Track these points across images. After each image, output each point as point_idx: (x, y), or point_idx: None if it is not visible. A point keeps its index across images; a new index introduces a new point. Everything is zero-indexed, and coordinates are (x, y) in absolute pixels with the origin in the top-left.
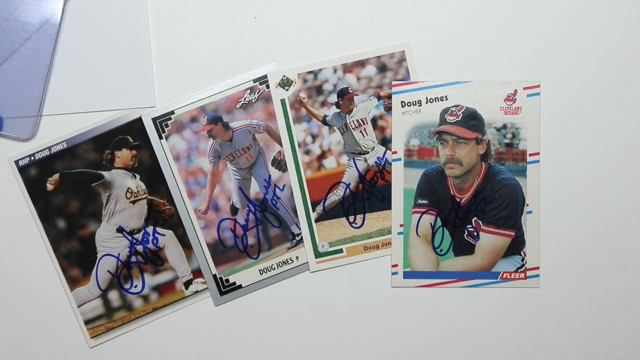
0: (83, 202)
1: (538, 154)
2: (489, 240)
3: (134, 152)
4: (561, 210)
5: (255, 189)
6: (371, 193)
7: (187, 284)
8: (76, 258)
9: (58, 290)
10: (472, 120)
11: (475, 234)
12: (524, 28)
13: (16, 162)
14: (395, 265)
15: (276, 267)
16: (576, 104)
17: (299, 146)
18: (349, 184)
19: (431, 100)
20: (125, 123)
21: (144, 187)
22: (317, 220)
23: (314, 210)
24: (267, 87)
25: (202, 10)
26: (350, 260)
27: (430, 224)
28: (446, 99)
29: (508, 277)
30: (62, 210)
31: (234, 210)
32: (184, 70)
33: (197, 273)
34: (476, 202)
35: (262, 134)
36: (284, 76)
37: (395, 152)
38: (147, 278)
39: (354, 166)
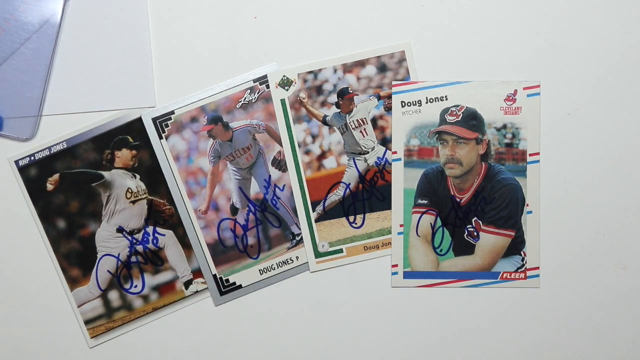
0: (83, 202)
1: (538, 154)
2: (489, 240)
3: (134, 152)
4: (561, 210)
5: (255, 189)
6: (371, 193)
7: (187, 284)
8: (76, 258)
9: (58, 290)
10: (472, 120)
11: (475, 234)
12: (524, 28)
13: (16, 162)
14: (395, 265)
15: (276, 267)
16: (576, 104)
17: (299, 146)
18: (349, 184)
19: (431, 100)
20: (125, 123)
21: (144, 187)
22: (317, 220)
23: (314, 210)
24: (267, 87)
25: (202, 10)
26: (350, 260)
27: (430, 224)
28: (446, 99)
29: (508, 277)
30: (62, 210)
31: (234, 210)
32: (184, 70)
33: (197, 273)
34: (476, 202)
35: (262, 134)
36: (284, 76)
37: (395, 152)
38: (147, 278)
39: (354, 166)
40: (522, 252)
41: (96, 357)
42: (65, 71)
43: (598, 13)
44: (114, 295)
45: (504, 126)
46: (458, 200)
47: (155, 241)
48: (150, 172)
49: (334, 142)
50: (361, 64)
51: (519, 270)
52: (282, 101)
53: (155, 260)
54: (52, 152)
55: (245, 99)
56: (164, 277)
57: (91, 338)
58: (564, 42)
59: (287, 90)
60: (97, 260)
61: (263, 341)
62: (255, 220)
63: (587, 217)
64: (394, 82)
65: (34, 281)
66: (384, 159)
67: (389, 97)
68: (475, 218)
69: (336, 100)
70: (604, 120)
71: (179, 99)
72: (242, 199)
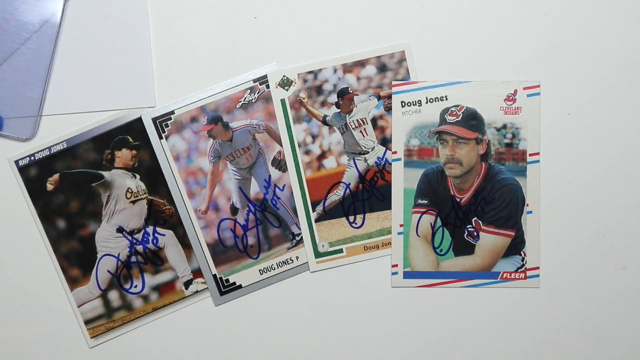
0: (83, 202)
1: (538, 154)
2: (489, 240)
3: (134, 152)
4: (561, 210)
5: (255, 189)
6: (371, 193)
7: (187, 284)
8: (76, 258)
9: (58, 290)
10: (472, 120)
11: (475, 234)
12: (524, 28)
13: (16, 162)
14: (395, 265)
15: (276, 267)
16: (576, 104)
17: (299, 146)
18: (349, 184)
19: (431, 100)
20: (125, 123)
21: (144, 187)
22: (317, 220)
23: (314, 210)
24: (267, 87)
25: (202, 10)
26: (350, 260)
27: (430, 224)
28: (446, 99)
29: (508, 277)
30: (62, 210)
31: (234, 210)
32: (184, 70)
33: (197, 273)
34: (476, 202)
35: (262, 134)
36: (284, 76)
37: (395, 152)
38: (147, 278)
39: (354, 166)
40: (522, 252)
41: (96, 357)
42: (65, 71)
43: (598, 13)
44: (114, 295)
45: (504, 126)
46: (458, 200)
47: (155, 241)
48: (150, 172)
49: (334, 142)
50: (361, 64)
51: (519, 270)
52: (282, 101)
53: (155, 260)
54: (52, 152)
55: (245, 99)
56: (164, 277)
57: (91, 338)
58: (564, 42)
59: (287, 90)
60: (97, 260)
61: (263, 341)
62: (255, 220)
63: (587, 217)
64: (394, 82)
65: (34, 281)
66: (384, 159)
67: (389, 97)
68: (475, 218)
69: (336, 100)
70: (604, 120)
71: (179, 99)
72: (242, 199)
